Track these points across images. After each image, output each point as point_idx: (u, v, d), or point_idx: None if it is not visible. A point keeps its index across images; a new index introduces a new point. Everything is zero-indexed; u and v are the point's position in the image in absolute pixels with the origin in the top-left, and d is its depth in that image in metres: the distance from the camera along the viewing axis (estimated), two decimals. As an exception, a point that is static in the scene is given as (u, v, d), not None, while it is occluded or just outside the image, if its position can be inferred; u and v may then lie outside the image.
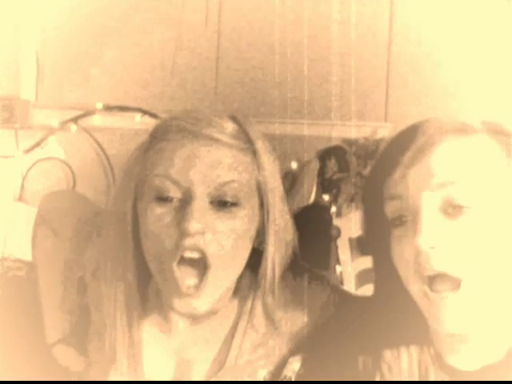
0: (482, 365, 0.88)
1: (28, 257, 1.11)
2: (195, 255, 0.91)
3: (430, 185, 0.85)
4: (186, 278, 0.92)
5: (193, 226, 0.89)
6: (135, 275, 0.98)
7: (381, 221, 0.90)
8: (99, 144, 2.41)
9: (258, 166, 0.96)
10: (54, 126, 2.38)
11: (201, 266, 0.92)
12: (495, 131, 0.89)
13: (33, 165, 2.39)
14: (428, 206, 0.85)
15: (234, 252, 0.94)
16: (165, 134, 0.94)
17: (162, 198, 0.92)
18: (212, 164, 0.91)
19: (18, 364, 1.04)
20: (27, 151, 2.39)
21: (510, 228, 0.86)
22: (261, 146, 0.96)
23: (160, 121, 1.00)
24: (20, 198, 2.35)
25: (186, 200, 0.91)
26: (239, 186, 0.93)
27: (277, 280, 0.99)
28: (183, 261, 0.92)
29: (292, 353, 0.98)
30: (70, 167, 2.39)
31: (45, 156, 2.40)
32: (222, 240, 0.92)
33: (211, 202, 0.92)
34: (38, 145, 2.39)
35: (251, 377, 0.98)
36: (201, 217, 0.90)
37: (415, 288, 0.87)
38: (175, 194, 0.92)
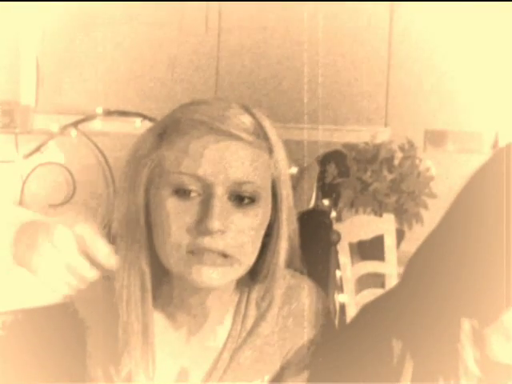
0: None
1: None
2: (215, 256, 0.92)
3: None
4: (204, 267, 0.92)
5: (214, 224, 0.90)
6: (149, 264, 0.98)
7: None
8: (99, 149, 2.41)
9: (275, 164, 0.97)
10: (54, 130, 2.38)
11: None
12: None
13: (33, 169, 2.39)
14: None
15: (250, 247, 0.94)
16: (187, 129, 0.94)
17: (182, 193, 0.92)
18: (235, 162, 0.92)
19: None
20: (27, 156, 2.39)
21: None
22: (277, 141, 0.98)
23: (179, 112, 0.98)
24: (20, 203, 2.35)
25: (207, 197, 0.92)
26: (258, 184, 0.94)
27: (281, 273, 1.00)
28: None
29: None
30: (70, 172, 2.40)
31: (45, 161, 2.40)
32: (241, 237, 0.93)
33: (229, 198, 0.93)
34: (37, 149, 2.39)
35: None
36: (222, 215, 0.91)
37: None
38: (196, 189, 0.92)
